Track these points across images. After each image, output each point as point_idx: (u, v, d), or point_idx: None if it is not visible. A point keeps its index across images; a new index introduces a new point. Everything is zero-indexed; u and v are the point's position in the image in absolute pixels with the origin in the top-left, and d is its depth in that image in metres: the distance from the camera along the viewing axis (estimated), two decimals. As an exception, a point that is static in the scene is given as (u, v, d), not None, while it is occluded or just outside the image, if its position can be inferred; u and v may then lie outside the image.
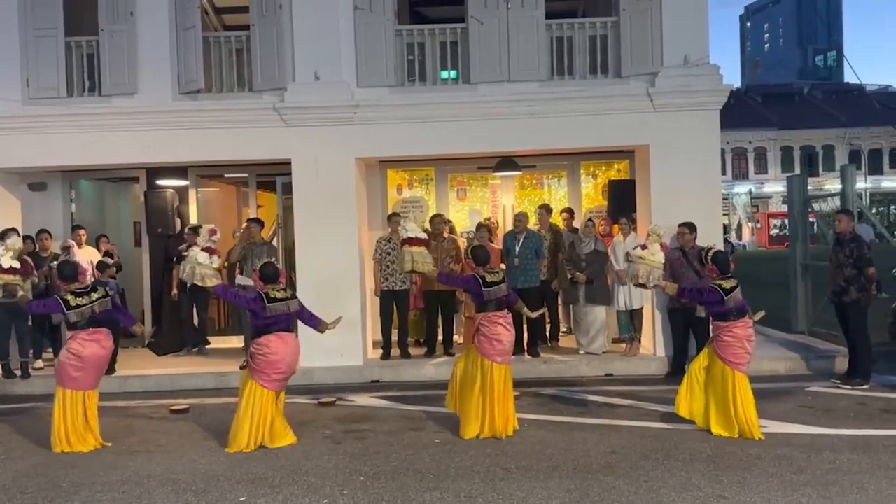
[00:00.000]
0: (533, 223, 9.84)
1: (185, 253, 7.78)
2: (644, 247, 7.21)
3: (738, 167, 50.81)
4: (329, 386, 8.36)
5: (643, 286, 7.19)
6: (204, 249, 7.28)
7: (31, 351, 9.11)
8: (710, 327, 6.35)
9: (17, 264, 7.15)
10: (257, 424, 5.98)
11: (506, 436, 6.08)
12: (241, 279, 8.80)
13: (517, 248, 9.05)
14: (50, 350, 9.53)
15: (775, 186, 47.85)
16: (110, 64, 9.07)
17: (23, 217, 9.75)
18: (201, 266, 7.08)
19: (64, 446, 6.08)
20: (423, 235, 7.64)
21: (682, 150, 8.80)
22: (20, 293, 6.92)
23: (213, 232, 7.63)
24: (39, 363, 9.29)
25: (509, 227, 9.98)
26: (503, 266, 9.16)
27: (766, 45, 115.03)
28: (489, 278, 6.35)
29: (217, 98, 9.13)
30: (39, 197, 10.83)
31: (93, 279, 8.15)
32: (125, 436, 6.53)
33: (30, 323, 9.01)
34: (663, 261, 7.19)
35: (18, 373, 8.80)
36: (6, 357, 8.78)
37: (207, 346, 10.17)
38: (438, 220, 9.50)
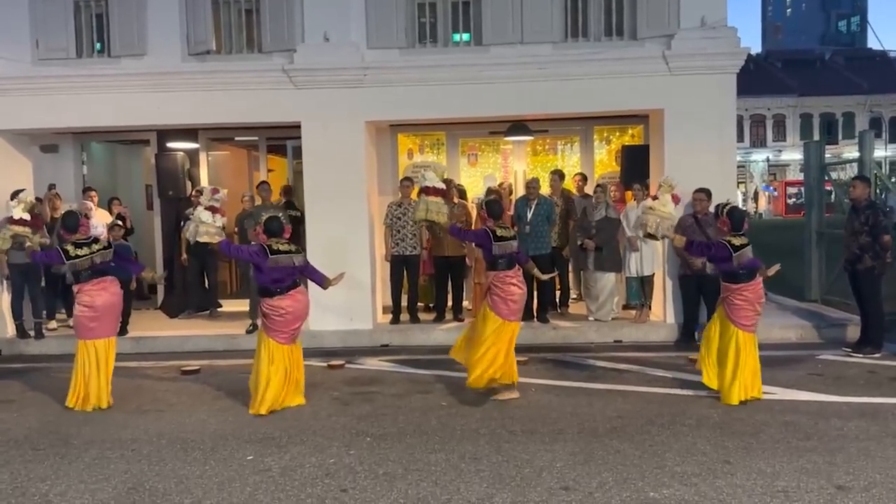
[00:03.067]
0: (546, 189, 9.75)
1: (191, 213, 7.79)
2: (655, 197, 7.02)
3: (756, 134, 50.09)
4: (339, 349, 8.41)
5: (653, 237, 6.98)
6: (207, 208, 7.25)
7: (45, 311, 9.21)
8: (721, 288, 6.27)
9: (27, 217, 7.24)
10: (283, 381, 6.06)
11: (509, 382, 6.18)
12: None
13: (529, 215, 8.99)
14: (63, 311, 9.64)
15: (793, 154, 47.17)
16: (119, 25, 9.00)
17: (34, 179, 9.77)
18: (204, 224, 7.09)
19: (79, 403, 6.18)
20: (442, 185, 7.45)
21: (698, 114, 8.63)
22: (27, 244, 6.96)
23: (215, 191, 7.61)
24: (53, 324, 9.40)
25: (521, 192, 9.89)
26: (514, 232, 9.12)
27: (788, 10, 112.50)
28: (500, 232, 6.32)
29: (226, 59, 9.04)
30: (51, 159, 10.86)
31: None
32: (136, 396, 6.61)
33: (43, 284, 9.11)
34: (674, 212, 7.01)
35: (32, 333, 8.91)
36: (20, 317, 8.89)
37: (219, 309, 10.25)
38: (449, 185, 9.42)
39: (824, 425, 5.33)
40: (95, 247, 6.27)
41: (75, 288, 6.33)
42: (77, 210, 8.52)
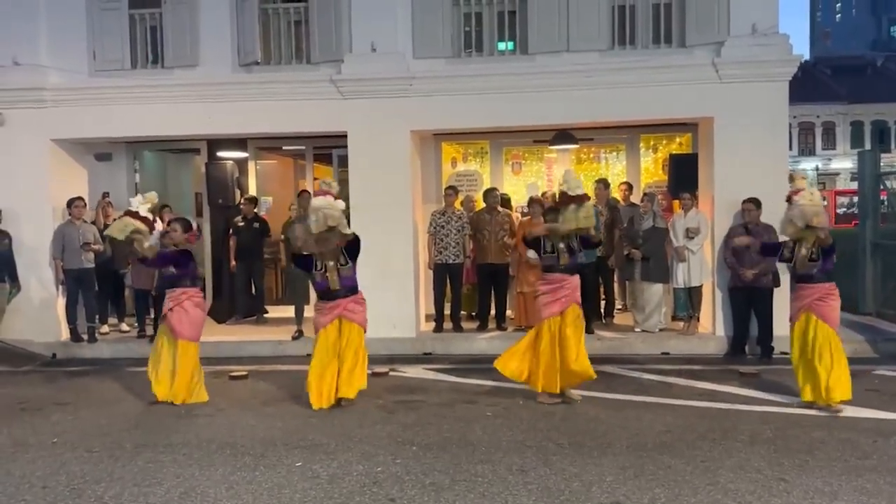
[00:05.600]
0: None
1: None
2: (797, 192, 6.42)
3: (805, 142, 48.90)
4: (382, 357, 8.41)
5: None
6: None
7: (97, 316, 9.44)
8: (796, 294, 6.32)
9: (149, 216, 7.22)
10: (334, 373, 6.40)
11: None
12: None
13: (572, 223, 8.89)
14: (115, 316, 9.88)
15: (843, 163, 45.97)
16: (172, 36, 9.24)
17: (89, 186, 10.05)
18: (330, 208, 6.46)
19: (187, 397, 6.60)
20: (582, 191, 7.38)
21: (749, 123, 8.48)
22: (146, 244, 6.88)
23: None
24: (105, 328, 9.64)
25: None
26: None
27: (838, 15, 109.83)
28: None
29: (275, 70, 9.19)
30: (105, 167, 11.16)
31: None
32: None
33: (96, 289, 9.34)
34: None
35: (85, 337, 9.15)
36: (74, 322, 9.13)
37: (265, 315, 10.39)
38: (493, 194, 9.43)
39: (883, 444, 5.15)
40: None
41: (179, 291, 6.65)
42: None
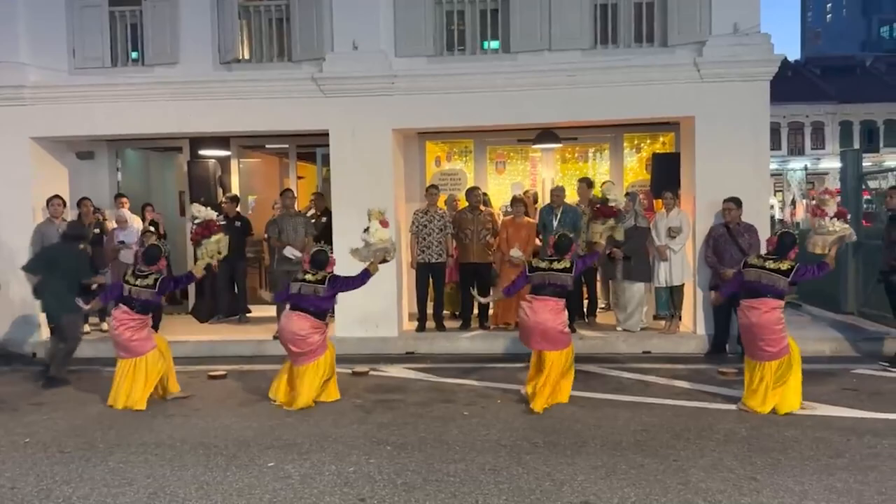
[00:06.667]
0: (573, 197, 9.67)
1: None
2: (833, 216, 6.40)
3: (794, 142, 49.02)
4: (364, 356, 8.40)
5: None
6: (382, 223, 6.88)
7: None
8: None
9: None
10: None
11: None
12: (289, 251, 8.87)
13: (554, 223, 8.91)
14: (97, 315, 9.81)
15: (832, 162, 45.97)
16: (153, 34, 9.17)
17: (71, 185, 9.98)
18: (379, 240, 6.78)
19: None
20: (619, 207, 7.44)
21: (730, 122, 8.49)
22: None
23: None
24: (86, 328, 9.55)
25: (548, 200, 9.82)
26: (538, 241, 9.07)
27: (828, 16, 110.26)
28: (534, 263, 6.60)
29: (256, 68, 9.15)
30: (87, 165, 11.09)
31: (139, 246, 8.30)
32: (163, 400, 6.68)
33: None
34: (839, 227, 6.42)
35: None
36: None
37: (248, 315, 10.34)
38: (476, 194, 9.41)
39: (857, 443, 5.16)
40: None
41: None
42: (119, 227, 8.77)
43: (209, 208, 7.26)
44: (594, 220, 8.14)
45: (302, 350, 6.41)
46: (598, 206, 8.15)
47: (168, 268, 7.52)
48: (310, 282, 6.50)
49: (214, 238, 6.96)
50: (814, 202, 6.65)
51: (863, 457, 4.89)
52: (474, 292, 7.77)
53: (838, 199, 6.66)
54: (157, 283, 6.58)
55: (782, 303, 6.08)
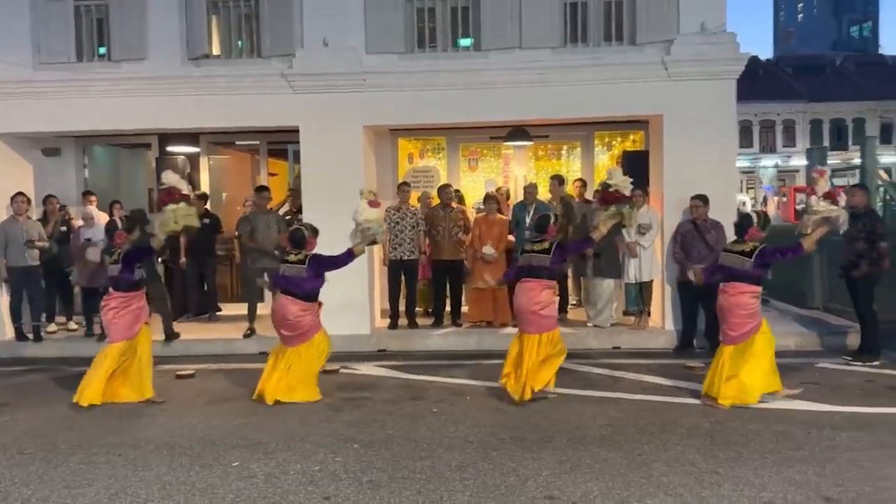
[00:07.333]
0: (545, 194, 9.71)
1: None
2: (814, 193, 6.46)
3: (766, 140, 49.73)
4: (336, 354, 8.30)
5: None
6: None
7: (44, 315, 9.23)
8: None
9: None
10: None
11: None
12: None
13: (527, 220, 8.95)
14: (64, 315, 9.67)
15: (803, 160, 46.68)
16: (119, 29, 9.06)
17: (36, 182, 9.83)
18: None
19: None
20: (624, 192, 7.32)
21: (697, 120, 8.58)
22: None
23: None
24: (52, 327, 9.43)
25: (520, 197, 9.85)
26: (511, 238, 9.10)
27: (800, 15, 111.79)
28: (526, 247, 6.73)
29: (225, 64, 9.07)
30: (53, 162, 10.91)
31: (104, 244, 8.17)
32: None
33: (43, 286, 9.13)
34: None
35: (31, 336, 8.94)
36: (19, 321, 8.91)
37: (218, 313, 10.26)
38: (447, 191, 9.42)
39: (816, 435, 5.25)
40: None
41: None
42: (85, 223, 8.65)
43: (182, 179, 6.93)
44: (599, 208, 7.79)
45: (293, 333, 6.45)
46: (600, 192, 7.78)
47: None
48: (292, 262, 6.50)
49: (170, 207, 6.56)
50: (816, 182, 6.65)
51: (822, 449, 4.98)
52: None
53: (829, 180, 6.66)
54: (121, 257, 6.53)
55: (755, 289, 6.14)
